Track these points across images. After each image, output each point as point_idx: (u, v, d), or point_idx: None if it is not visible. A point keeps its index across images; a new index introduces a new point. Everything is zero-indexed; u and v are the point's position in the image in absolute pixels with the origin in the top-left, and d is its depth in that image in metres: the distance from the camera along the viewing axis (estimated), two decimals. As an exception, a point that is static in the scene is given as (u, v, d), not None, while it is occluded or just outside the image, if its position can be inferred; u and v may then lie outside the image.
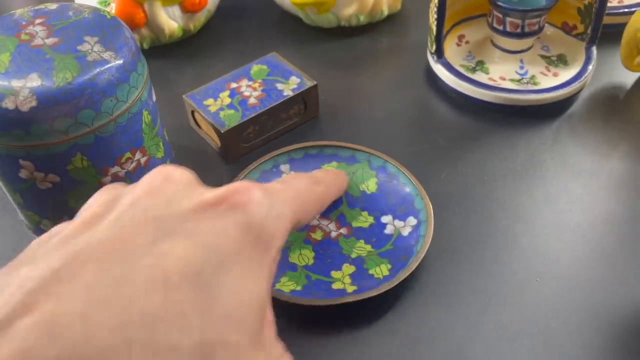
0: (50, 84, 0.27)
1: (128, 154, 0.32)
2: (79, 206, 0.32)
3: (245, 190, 0.22)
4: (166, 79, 0.49)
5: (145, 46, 0.50)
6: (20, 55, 0.28)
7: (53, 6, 0.32)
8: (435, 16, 0.44)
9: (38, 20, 0.31)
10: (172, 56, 0.51)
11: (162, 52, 0.51)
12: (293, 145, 0.40)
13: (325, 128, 0.45)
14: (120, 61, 0.30)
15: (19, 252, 0.20)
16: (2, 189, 0.35)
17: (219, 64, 0.51)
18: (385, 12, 0.53)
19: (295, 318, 0.33)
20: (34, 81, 0.27)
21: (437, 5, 0.44)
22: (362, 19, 0.52)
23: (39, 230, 0.35)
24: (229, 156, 0.42)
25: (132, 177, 0.33)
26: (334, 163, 0.41)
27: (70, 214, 0.33)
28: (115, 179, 0.32)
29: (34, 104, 0.27)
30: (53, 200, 0.32)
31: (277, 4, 0.54)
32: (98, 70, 0.29)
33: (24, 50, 0.29)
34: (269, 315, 0.22)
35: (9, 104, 0.27)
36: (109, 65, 0.29)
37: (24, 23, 0.31)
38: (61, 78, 0.27)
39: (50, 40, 0.30)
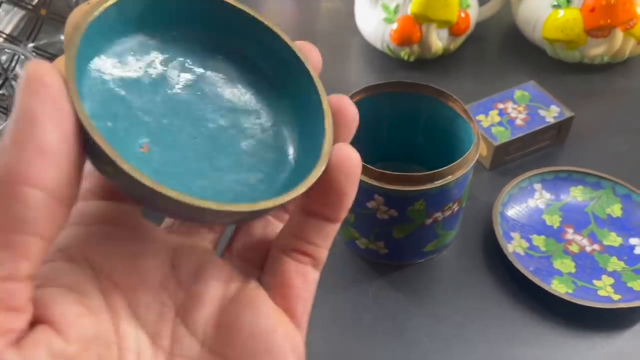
0: None
1: (450, 204, 0.39)
2: (400, 236, 0.40)
3: None
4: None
5: (412, 59, 0.59)
6: None
7: None
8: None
9: None
10: (430, 70, 0.60)
11: (423, 66, 0.60)
12: (546, 168, 0.47)
13: (570, 152, 0.51)
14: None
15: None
16: None
17: (467, 80, 0.59)
18: (627, 55, 0.58)
19: (566, 316, 0.40)
20: None
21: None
22: (606, 59, 0.58)
23: (351, 244, 0.43)
24: (492, 164, 0.49)
25: (445, 221, 0.40)
26: (580, 187, 0.47)
27: (388, 239, 0.40)
28: (434, 222, 0.39)
29: None
30: (381, 229, 0.40)
31: (523, 35, 0.61)
32: None
33: None
34: None
35: None
36: None
37: None
38: None
39: None
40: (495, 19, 0.64)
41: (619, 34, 0.55)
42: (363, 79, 0.60)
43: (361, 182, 0.37)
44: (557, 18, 0.56)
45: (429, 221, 0.39)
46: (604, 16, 0.54)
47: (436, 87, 0.42)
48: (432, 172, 0.36)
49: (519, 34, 0.62)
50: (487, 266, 0.43)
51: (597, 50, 0.57)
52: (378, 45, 0.60)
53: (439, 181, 0.37)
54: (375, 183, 0.37)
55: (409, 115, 0.45)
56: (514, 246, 0.43)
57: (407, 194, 0.37)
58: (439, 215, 0.39)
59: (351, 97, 0.42)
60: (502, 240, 0.42)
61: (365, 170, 0.37)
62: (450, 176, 0.37)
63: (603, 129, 0.53)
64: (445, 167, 0.37)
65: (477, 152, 0.38)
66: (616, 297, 0.39)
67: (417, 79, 0.59)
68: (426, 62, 0.60)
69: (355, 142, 0.45)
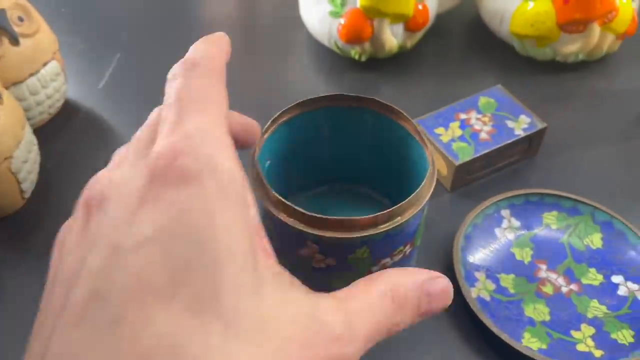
0: None
1: (401, 247, 0.32)
2: (342, 286, 0.32)
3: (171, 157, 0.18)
4: (377, 93, 0.50)
5: (364, 59, 0.51)
6: None
7: None
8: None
9: None
10: (385, 70, 0.52)
11: (377, 65, 0.52)
12: (514, 191, 0.40)
13: (542, 169, 0.45)
14: None
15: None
16: None
17: (426, 83, 0.51)
18: (604, 52, 0.52)
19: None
20: None
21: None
22: (581, 57, 0.51)
23: None
24: (452, 185, 0.42)
25: (395, 266, 0.32)
26: (554, 212, 0.40)
27: (328, 290, 0.31)
28: (382, 268, 0.31)
29: None
30: (318, 279, 0.32)
31: (489, 29, 0.54)
32: None
33: None
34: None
35: None
36: None
37: None
38: None
39: None
40: (458, 11, 0.57)
41: (596, 29, 0.49)
42: (308, 82, 0.52)
43: (288, 226, 0.30)
44: (526, 11, 0.49)
45: (375, 268, 0.32)
46: (579, 9, 0.47)
47: (383, 101, 0.35)
48: (374, 215, 0.29)
49: (485, 29, 0.55)
50: (448, 315, 0.36)
51: (571, 47, 0.50)
52: (325, 42, 0.52)
53: (385, 225, 0.29)
54: (305, 229, 0.30)
55: (353, 133, 0.37)
56: (478, 289, 0.36)
57: (345, 242, 0.30)
58: (387, 261, 0.32)
59: (283, 114, 0.34)
60: (464, 285, 0.35)
61: (292, 212, 0.30)
62: (399, 217, 0.30)
63: (579, 140, 0.47)
64: (391, 209, 0.29)
65: (432, 185, 0.31)
66: (598, 353, 0.33)
67: (370, 81, 0.51)
68: (380, 62, 0.52)
69: (291, 166, 0.38)
